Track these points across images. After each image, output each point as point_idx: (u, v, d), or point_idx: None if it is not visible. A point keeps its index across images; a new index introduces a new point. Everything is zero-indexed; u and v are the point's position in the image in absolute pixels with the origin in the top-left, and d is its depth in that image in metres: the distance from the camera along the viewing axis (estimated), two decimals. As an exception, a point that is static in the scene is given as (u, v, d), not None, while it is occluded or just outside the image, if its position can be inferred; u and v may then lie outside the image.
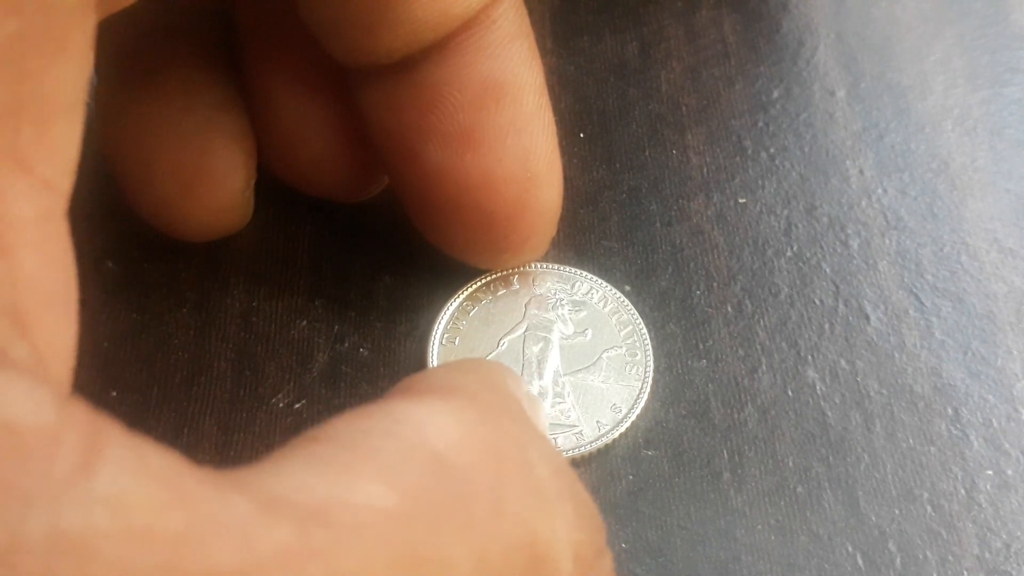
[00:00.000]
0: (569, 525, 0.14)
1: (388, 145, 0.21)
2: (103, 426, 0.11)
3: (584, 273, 0.23)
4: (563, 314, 0.23)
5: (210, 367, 0.23)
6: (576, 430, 0.21)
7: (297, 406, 0.22)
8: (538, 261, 0.23)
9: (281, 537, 0.11)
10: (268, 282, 0.24)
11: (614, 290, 0.23)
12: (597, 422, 0.21)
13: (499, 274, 0.23)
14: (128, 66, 0.22)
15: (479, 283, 0.23)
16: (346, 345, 0.23)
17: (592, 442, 0.21)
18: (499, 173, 0.21)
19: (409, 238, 0.24)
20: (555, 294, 0.23)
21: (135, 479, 0.10)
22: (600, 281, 0.23)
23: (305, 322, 0.23)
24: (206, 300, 0.23)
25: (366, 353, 0.23)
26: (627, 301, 0.23)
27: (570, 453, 0.21)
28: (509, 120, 0.20)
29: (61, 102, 0.13)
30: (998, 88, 0.27)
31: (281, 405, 0.22)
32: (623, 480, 0.21)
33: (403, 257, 0.24)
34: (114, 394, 0.22)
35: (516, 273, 0.23)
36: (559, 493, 0.14)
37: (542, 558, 0.13)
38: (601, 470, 0.21)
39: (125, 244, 0.24)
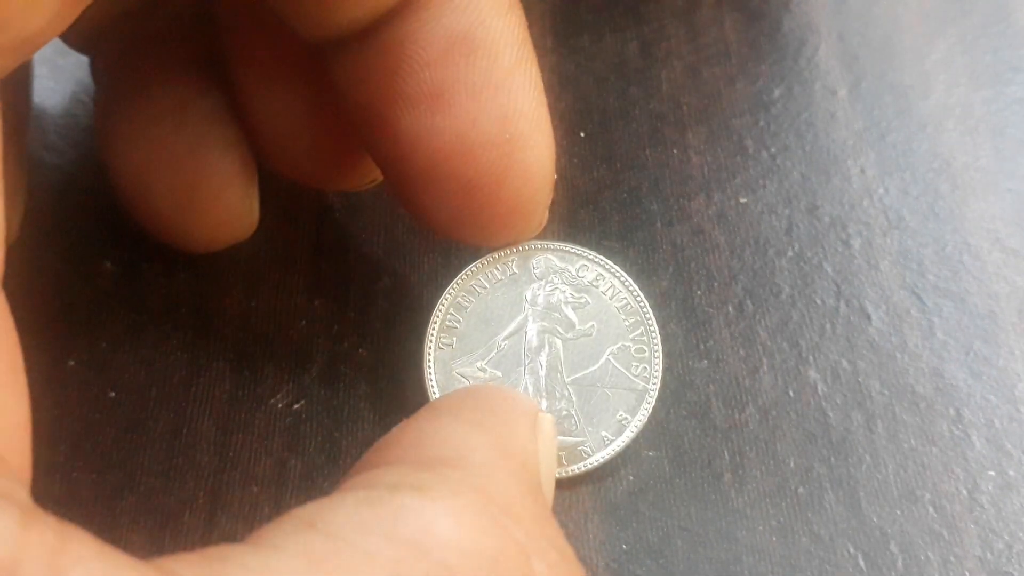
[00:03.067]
0: None
1: (362, 119, 0.20)
2: (67, 544, 0.10)
3: (587, 252, 0.22)
4: (566, 297, 0.22)
5: (209, 367, 0.22)
6: (583, 444, 0.21)
7: (296, 406, 0.22)
8: (537, 238, 0.22)
9: None
10: (267, 282, 0.24)
11: (621, 273, 0.22)
12: (603, 436, 0.21)
13: (496, 255, 0.22)
14: (117, 84, 0.22)
15: (472, 268, 0.22)
16: (345, 345, 0.23)
17: (597, 456, 0.21)
18: (474, 136, 0.19)
19: (408, 239, 0.24)
20: (556, 273, 0.22)
21: None
22: (605, 262, 0.22)
23: (304, 322, 0.23)
24: (205, 300, 0.23)
25: (365, 353, 0.23)
26: (633, 284, 0.22)
27: (575, 470, 0.21)
28: (483, 77, 0.19)
29: None
30: (1000, 87, 0.27)
31: (280, 405, 0.22)
32: (624, 481, 0.21)
33: (402, 258, 0.24)
34: (113, 395, 0.22)
35: (514, 255, 0.22)
36: None
37: None
38: (602, 471, 0.21)
39: (123, 245, 0.24)
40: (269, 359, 0.23)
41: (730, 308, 0.23)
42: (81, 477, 0.21)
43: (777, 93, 0.27)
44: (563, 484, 0.21)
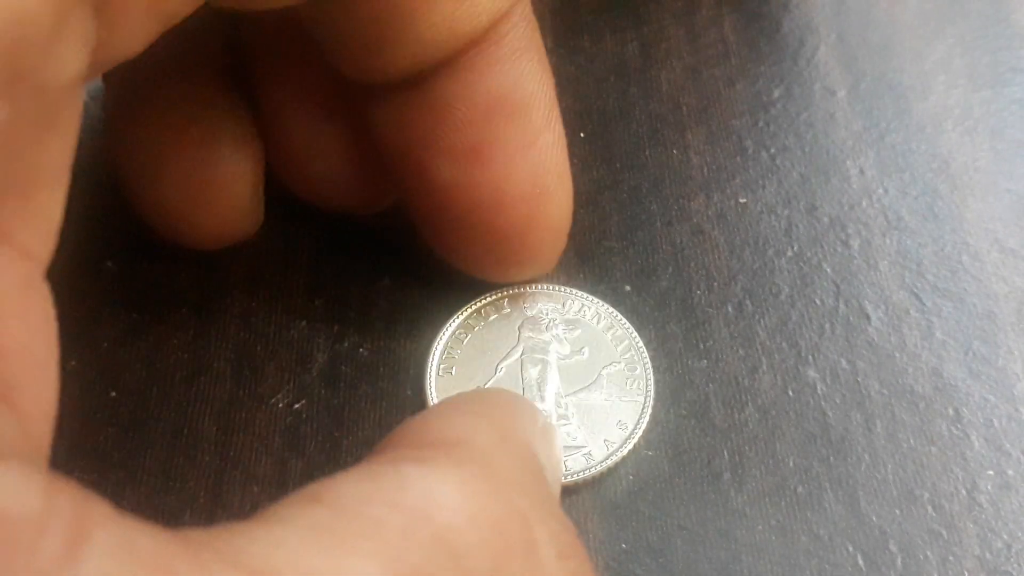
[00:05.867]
0: None
1: (398, 161, 0.21)
2: (90, 509, 0.10)
3: (574, 291, 0.23)
4: (558, 334, 0.23)
5: (209, 367, 0.23)
6: (584, 451, 0.21)
7: (297, 406, 0.22)
8: (528, 284, 0.23)
9: None
10: (267, 282, 0.24)
11: (606, 306, 0.23)
12: (604, 441, 0.21)
13: (489, 299, 0.23)
14: (133, 76, 0.22)
15: (469, 310, 0.23)
16: (345, 345, 0.23)
17: (602, 462, 0.21)
18: (508, 190, 0.20)
19: (409, 239, 0.24)
20: (547, 314, 0.23)
21: (121, 565, 0.10)
22: (591, 298, 0.23)
23: (304, 322, 0.23)
24: (205, 300, 0.23)
25: (365, 353, 0.23)
26: (620, 316, 0.23)
27: (580, 475, 0.21)
28: (518, 135, 0.20)
29: (47, 175, 0.13)
30: (999, 88, 0.27)
31: (281, 405, 0.22)
32: (623, 480, 0.21)
33: (402, 258, 0.24)
34: (113, 394, 0.22)
35: (506, 296, 0.23)
36: (555, 565, 0.14)
37: None
38: (601, 471, 0.21)
39: (125, 244, 0.24)
40: (270, 359, 0.23)
41: (729, 308, 0.23)
42: (82, 477, 0.21)
43: (776, 94, 0.27)
44: (568, 489, 0.21)
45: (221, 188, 0.22)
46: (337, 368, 0.23)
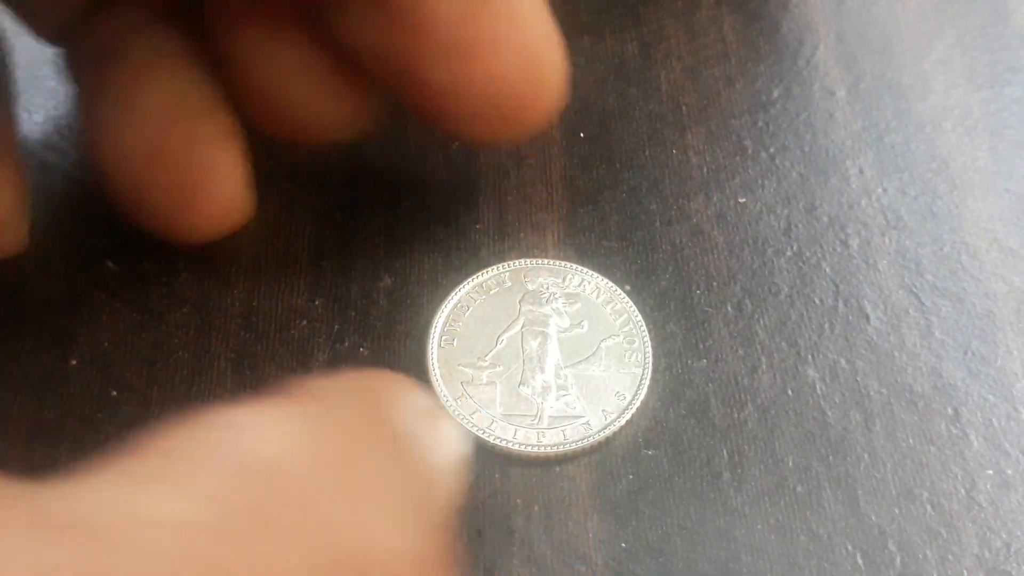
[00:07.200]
0: (401, 535, 0.13)
1: (384, 71, 0.21)
2: None
3: (573, 266, 0.24)
4: (558, 307, 0.23)
5: (210, 367, 0.23)
6: (583, 420, 0.22)
7: (297, 406, 0.22)
8: (529, 258, 0.24)
9: (61, 559, 0.10)
10: (268, 282, 0.24)
11: (606, 280, 0.23)
12: (603, 411, 0.22)
13: (491, 274, 0.23)
14: (101, 79, 0.22)
15: (471, 283, 0.23)
16: (346, 345, 0.23)
17: (600, 431, 0.21)
18: (502, 72, 0.20)
19: (409, 238, 0.24)
20: (548, 288, 0.23)
21: None
22: (591, 273, 0.23)
23: (305, 322, 0.23)
24: (206, 300, 0.23)
25: (366, 353, 0.23)
26: (620, 291, 0.23)
27: (579, 443, 0.21)
28: (495, 10, 0.20)
29: None
30: (998, 88, 0.27)
31: (281, 405, 0.22)
32: (623, 480, 0.21)
33: (403, 257, 0.24)
34: (114, 394, 0.22)
35: (507, 271, 0.23)
36: (393, 501, 0.13)
37: (369, 568, 0.12)
38: (601, 470, 0.21)
39: (125, 244, 0.24)
40: (270, 358, 0.23)
41: (729, 307, 0.23)
42: (83, 476, 0.21)
43: (776, 93, 0.27)
44: (568, 458, 0.21)
45: (207, 185, 0.22)
46: (338, 367, 0.23)
